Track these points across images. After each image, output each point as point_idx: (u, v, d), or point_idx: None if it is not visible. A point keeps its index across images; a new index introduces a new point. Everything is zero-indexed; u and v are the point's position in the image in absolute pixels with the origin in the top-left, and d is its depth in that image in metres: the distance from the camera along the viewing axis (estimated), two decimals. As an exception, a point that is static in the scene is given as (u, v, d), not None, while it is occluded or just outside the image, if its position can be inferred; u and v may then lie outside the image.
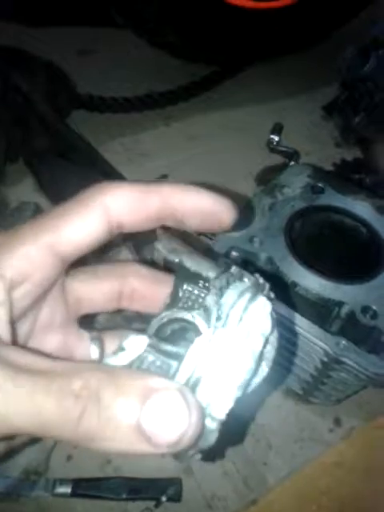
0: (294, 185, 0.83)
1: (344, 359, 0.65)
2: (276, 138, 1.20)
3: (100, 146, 1.10)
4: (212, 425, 0.29)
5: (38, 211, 0.83)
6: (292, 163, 1.16)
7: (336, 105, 1.28)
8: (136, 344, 0.32)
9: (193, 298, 0.35)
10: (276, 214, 0.78)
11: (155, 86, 1.28)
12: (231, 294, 0.32)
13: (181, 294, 0.36)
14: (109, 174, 1.02)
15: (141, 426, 0.26)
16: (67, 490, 0.67)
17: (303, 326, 0.67)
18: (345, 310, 0.69)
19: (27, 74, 0.99)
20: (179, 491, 0.70)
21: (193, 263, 0.34)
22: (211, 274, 0.34)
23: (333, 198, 0.82)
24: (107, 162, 1.04)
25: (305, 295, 0.71)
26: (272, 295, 0.34)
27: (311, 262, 0.72)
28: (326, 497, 0.74)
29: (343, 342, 0.65)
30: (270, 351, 0.33)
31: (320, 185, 0.83)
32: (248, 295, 0.32)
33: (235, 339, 0.30)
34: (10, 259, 0.33)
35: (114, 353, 0.32)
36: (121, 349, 0.32)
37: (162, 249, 0.36)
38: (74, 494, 0.67)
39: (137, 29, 1.23)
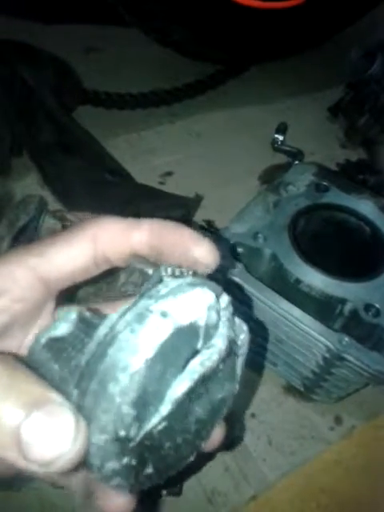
0: (299, 183, 0.83)
1: (346, 356, 0.65)
2: (280, 138, 1.21)
3: (105, 141, 1.10)
4: (114, 389, 0.28)
5: (42, 204, 0.83)
6: (296, 163, 1.17)
7: (341, 106, 1.29)
8: (67, 316, 0.32)
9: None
10: (280, 211, 0.79)
11: (161, 84, 1.28)
12: (169, 279, 0.32)
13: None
14: (114, 170, 1.02)
15: (20, 433, 0.26)
16: (68, 481, 0.67)
17: (306, 322, 0.67)
18: (348, 307, 0.70)
19: (34, 69, 0.99)
20: (180, 486, 0.70)
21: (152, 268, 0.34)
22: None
23: (337, 197, 0.82)
24: (112, 158, 1.04)
25: (308, 292, 0.71)
26: (225, 297, 0.33)
27: (315, 259, 0.73)
28: (326, 495, 0.74)
29: (346, 338, 0.65)
30: (218, 343, 0.32)
31: (325, 183, 0.83)
32: (187, 281, 0.32)
33: (158, 307, 0.30)
34: None
35: (47, 326, 0.33)
36: (54, 320, 0.33)
37: (135, 261, 0.36)
38: (74, 486, 0.67)
39: (144, 27, 1.24)
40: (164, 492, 0.69)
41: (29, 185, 1.03)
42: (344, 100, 1.28)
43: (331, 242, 0.79)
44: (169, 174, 1.12)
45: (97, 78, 1.26)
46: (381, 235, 0.78)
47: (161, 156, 1.16)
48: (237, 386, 0.36)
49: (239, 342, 0.35)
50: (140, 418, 0.29)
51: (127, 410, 0.28)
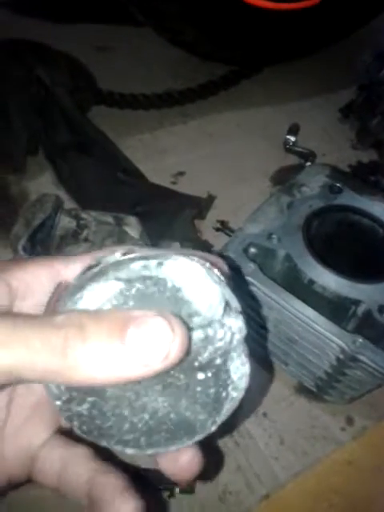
0: (313, 184, 0.83)
1: (360, 357, 0.66)
2: (292, 139, 1.21)
3: (118, 141, 1.10)
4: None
5: (58, 203, 0.84)
6: (308, 164, 1.17)
7: (353, 107, 1.29)
8: None
9: None
10: (294, 212, 0.79)
11: (174, 84, 1.29)
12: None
13: None
14: (127, 169, 1.03)
15: (128, 348, 0.28)
16: (81, 478, 0.68)
17: (320, 322, 0.68)
18: (361, 308, 0.70)
19: (51, 69, 1.00)
20: (193, 484, 0.70)
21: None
22: None
23: (350, 198, 0.82)
24: (126, 158, 1.05)
25: (322, 293, 0.72)
26: (240, 322, 0.33)
27: (329, 260, 0.73)
28: (337, 495, 0.75)
29: (359, 339, 0.66)
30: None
31: (338, 185, 0.83)
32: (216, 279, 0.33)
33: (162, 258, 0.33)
34: (19, 272, 0.35)
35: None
36: None
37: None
38: (88, 483, 0.68)
39: (157, 27, 1.24)
40: (177, 490, 0.69)
41: (43, 184, 1.04)
42: (356, 101, 1.28)
43: (345, 243, 0.79)
44: (181, 173, 1.13)
45: (109, 78, 1.27)
46: (394, 237, 0.78)
47: (173, 156, 1.16)
48: (213, 428, 0.33)
49: (234, 380, 0.33)
50: None
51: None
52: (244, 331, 0.33)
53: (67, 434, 0.37)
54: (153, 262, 0.32)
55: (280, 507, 0.73)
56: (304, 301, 0.69)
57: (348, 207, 0.81)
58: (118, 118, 1.20)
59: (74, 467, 0.35)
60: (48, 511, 0.70)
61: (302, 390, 0.82)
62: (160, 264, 0.32)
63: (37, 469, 0.36)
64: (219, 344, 0.33)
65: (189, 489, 0.70)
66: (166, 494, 0.70)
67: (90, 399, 0.32)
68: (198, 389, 0.33)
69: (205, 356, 0.33)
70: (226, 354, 0.33)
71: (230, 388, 0.33)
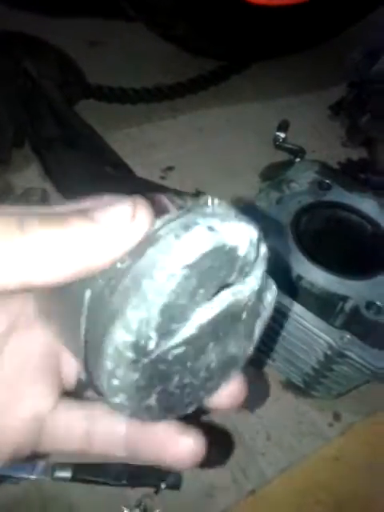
0: (302, 180, 0.83)
1: (348, 353, 0.66)
2: (282, 135, 1.21)
3: (106, 135, 1.09)
4: (149, 286, 0.27)
5: (45, 197, 0.83)
6: (297, 160, 1.17)
7: (343, 104, 1.29)
8: None
9: None
10: (283, 207, 0.79)
11: (164, 79, 1.28)
12: (216, 206, 0.30)
13: None
14: (115, 163, 1.02)
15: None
16: (67, 474, 0.67)
17: (307, 318, 0.68)
18: (349, 304, 0.70)
19: (39, 61, 0.99)
20: (179, 479, 0.70)
21: None
22: None
23: (339, 195, 0.82)
24: (114, 152, 1.04)
25: (310, 289, 0.71)
26: (265, 247, 0.31)
27: (317, 256, 0.73)
28: (324, 491, 0.75)
29: (347, 336, 0.66)
30: (252, 282, 0.31)
31: (327, 181, 0.83)
32: (234, 213, 0.30)
33: (205, 222, 0.28)
34: None
35: None
36: None
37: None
38: (74, 479, 0.67)
39: (148, 21, 1.23)
40: (163, 485, 0.69)
41: (29, 177, 1.02)
42: (346, 99, 1.28)
43: (333, 239, 0.79)
44: (170, 168, 1.12)
45: (100, 72, 1.25)
46: (382, 233, 0.78)
47: (162, 151, 1.16)
48: (251, 349, 0.35)
49: (265, 303, 0.34)
50: (161, 332, 0.28)
51: (155, 314, 0.27)
52: (267, 256, 0.32)
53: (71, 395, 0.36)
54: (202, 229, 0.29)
55: (266, 503, 0.73)
56: (292, 297, 0.69)
57: (337, 204, 0.81)
58: (106, 112, 1.18)
59: (104, 424, 0.34)
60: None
61: (289, 385, 0.82)
62: (211, 229, 0.28)
63: (53, 433, 0.34)
64: (262, 283, 0.32)
65: (175, 485, 0.69)
66: (152, 490, 0.69)
67: (157, 388, 0.31)
68: (242, 327, 0.34)
69: (254, 300, 0.32)
70: (262, 287, 0.33)
71: (261, 311, 0.34)
